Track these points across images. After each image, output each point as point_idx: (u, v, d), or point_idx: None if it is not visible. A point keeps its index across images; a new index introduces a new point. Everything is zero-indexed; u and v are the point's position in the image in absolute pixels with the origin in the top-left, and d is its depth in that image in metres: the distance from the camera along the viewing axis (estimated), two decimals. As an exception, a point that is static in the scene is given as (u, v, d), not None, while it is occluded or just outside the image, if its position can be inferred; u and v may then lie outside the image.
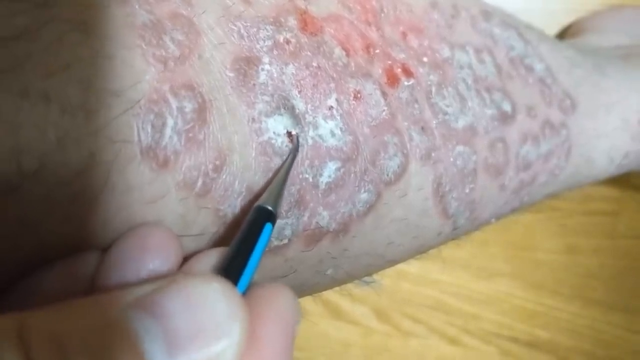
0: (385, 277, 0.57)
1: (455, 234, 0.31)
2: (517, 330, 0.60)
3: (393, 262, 0.29)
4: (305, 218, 0.22)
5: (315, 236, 0.23)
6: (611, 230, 0.58)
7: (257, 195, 0.20)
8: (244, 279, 0.17)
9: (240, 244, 0.18)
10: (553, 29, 0.56)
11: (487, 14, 0.34)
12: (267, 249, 0.21)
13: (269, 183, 0.21)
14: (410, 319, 0.60)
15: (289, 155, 0.21)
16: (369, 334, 0.60)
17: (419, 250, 0.30)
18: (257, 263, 0.18)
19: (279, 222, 0.21)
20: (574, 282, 0.59)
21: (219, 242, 0.20)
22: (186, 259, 0.19)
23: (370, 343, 0.60)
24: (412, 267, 0.59)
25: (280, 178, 0.20)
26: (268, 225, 0.19)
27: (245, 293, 0.17)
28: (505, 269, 0.60)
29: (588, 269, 0.59)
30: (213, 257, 0.18)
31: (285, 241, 0.22)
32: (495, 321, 0.60)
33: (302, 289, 0.25)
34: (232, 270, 0.17)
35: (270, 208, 0.19)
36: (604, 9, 0.55)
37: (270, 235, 0.19)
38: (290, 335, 0.17)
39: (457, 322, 0.60)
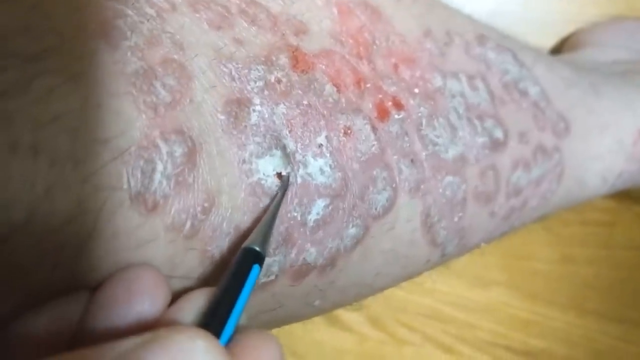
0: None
1: (445, 260, 0.31)
2: (512, 339, 0.60)
3: (382, 290, 0.29)
4: (293, 255, 0.22)
5: (303, 272, 0.23)
6: (607, 241, 0.58)
7: (246, 235, 0.21)
8: (229, 327, 0.17)
9: (227, 287, 0.18)
10: (551, 40, 0.56)
11: (482, 38, 0.34)
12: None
13: (257, 223, 0.21)
14: (405, 327, 0.61)
15: (276, 195, 0.21)
16: (364, 341, 0.61)
17: (408, 277, 0.30)
18: (244, 306, 0.18)
19: (267, 259, 0.22)
20: (569, 291, 0.59)
21: (206, 281, 0.21)
22: (174, 297, 0.19)
23: (365, 350, 0.61)
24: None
25: (268, 218, 0.21)
26: (256, 267, 0.19)
27: (231, 338, 0.17)
28: (501, 278, 0.60)
29: (583, 279, 0.59)
30: (200, 300, 0.18)
31: (272, 277, 0.22)
32: (490, 330, 0.60)
33: (290, 320, 0.26)
34: (218, 316, 0.17)
35: (258, 249, 0.19)
36: (602, 19, 0.55)
37: (258, 277, 0.19)
38: None
39: (452, 330, 0.60)
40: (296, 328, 0.58)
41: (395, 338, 0.60)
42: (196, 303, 0.18)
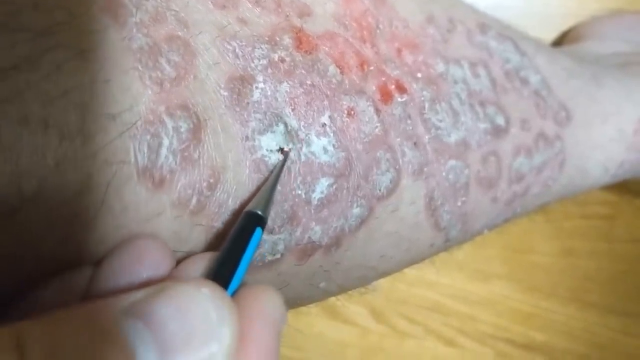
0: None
1: (448, 245, 0.31)
2: (512, 332, 0.60)
3: (386, 274, 0.29)
4: (298, 233, 0.23)
5: (308, 250, 0.23)
6: (608, 234, 0.59)
7: (247, 203, 0.21)
8: (234, 282, 0.17)
9: (231, 248, 0.18)
10: (551, 33, 0.56)
11: (484, 26, 0.34)
12: (260, 264, 0.22)
13: (257, 190, 0.21)
14: (406, 320, 0.61)
15: (278, 163, 0.22)
16: (366, 334, 0.61)
17: (412, 262, 0.30)
18: (247, 266, 0.18)
19: (272, 237, 0.22)
20: (570, 284, 0.59)
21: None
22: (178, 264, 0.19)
23: (367, 343, 0.61)
24: (408, 268, 0.59)
25: (269, 184, 0.21)
26: (258, 230, 0.19)
27: (234, 295, 0.18)
28: (502, 271, 0.60)
29: (584, 272, 0.59)
30: (204, 260, 0.19)
31: (278, 256, 0.22)
32: (491, 323, 0.60)
33: (296, 302, 0.26)
34: (222, 273, 0.17)
35: (259, 212, 0.19)
36: (602, 13, 0.55)
37: (261, 239, 0.19)
38: (277, 335, 0.18)
39: (453, 323, 0.60)
40: (298, 321, 0.58)
41: (397, 331, 0.60)
42: (200, 264, 0.18)
